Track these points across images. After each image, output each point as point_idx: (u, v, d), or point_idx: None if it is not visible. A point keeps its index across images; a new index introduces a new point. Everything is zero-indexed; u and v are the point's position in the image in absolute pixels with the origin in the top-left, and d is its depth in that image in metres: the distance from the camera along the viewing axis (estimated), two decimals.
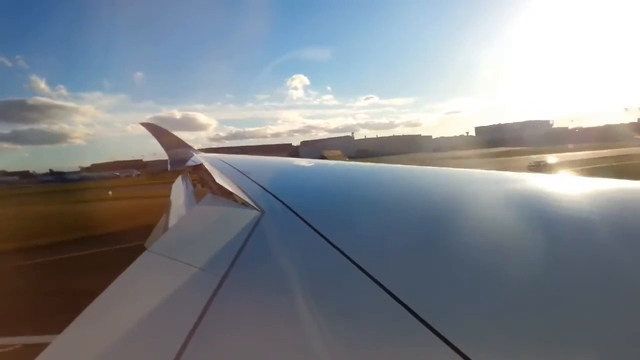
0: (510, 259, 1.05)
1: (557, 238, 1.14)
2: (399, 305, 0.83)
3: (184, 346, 0.78)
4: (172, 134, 8.01)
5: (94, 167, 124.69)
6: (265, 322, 0.88)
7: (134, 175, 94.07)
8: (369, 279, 0.95)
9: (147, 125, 8.35)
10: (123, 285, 1.12)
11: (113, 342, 0.84)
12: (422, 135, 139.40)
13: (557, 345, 0.71)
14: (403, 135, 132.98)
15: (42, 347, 0.82)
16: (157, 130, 8.01)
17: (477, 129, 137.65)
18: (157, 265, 1.27)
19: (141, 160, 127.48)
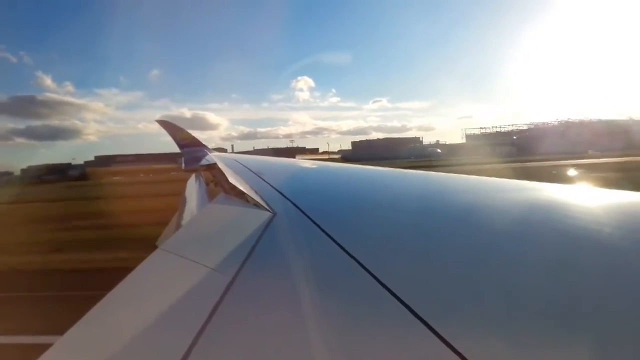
0: (515, 265, 1.05)
1: (562, 246, 1.14)
2: (408, 311, 0.82)
3: (192, 346, 0.78)
4: (187, 132, 8.09)
5: (28, 170, 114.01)
6: (273, 324, 0.87)
7: None
8: (378, 284, 0.93)
9: (162, 122, 8.47)
10: (134, 282, 1.13)
11: (122, 340, 0.84)
12: (295, 146, 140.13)
13: (557, 350, 0.72)
14: (267, 148, 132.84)
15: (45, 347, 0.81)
16: (171, 128, 8.11)
17: (353, 144, 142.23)
18: (168, 264, 1.27)
19: (69, 164, 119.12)
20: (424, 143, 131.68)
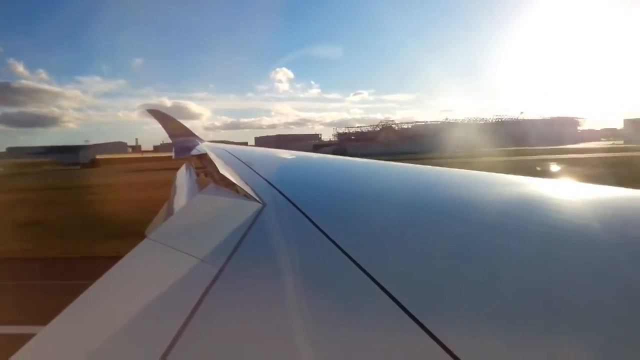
0: (510, 261, 1.05)
1: (557, 242, 1.14)
2: (395, 304, 0.83)
3: (178, 336, 0.78)
4: (178, 121, 7.95)
5: None
6: (261, 316, 0.87)
7: None
8: (367, 277, 0.94)
9: (153, 111, 8.30)
10: (121, 272, 1.12)
11: (107, 331, 0.83)
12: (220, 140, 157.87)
13: (551, 349, 0.72)
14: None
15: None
16: (162, 117, 7.97)
17: (256, 139, 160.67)
18: (156, 254, 1.26)
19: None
20: (322, 139, 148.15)
